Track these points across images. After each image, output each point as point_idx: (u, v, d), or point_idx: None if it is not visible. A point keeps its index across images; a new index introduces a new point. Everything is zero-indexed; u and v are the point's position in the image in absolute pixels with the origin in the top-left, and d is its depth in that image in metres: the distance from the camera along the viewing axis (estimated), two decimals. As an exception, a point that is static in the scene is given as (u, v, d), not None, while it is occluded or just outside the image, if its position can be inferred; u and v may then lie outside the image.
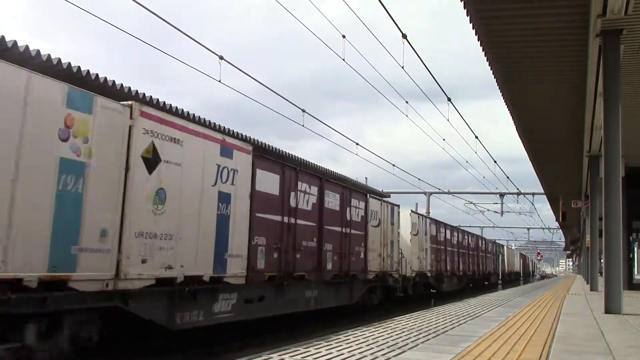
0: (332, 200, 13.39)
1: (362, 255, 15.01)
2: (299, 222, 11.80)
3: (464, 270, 29.47)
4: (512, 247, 68.62)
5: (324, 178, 13.37)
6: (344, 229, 13.88)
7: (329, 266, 13.07)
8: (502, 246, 48.44)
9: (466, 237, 31.15)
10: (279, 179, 11.17)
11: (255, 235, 10.16)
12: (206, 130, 9.15)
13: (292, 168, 11.88)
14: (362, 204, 15.29)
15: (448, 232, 26.62)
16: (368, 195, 16.10)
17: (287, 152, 16.09)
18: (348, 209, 14.20)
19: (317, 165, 18.03)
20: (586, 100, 13.71)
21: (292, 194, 11.65)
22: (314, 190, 12.64)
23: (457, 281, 28.24)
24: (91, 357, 7.29)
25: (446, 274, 25.38)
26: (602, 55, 10.29)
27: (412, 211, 21.24)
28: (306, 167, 14.94)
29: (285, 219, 11.32)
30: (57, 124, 6.37)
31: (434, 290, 24.13)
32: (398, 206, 18.87)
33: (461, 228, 30.97)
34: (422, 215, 23.12)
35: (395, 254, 17.97)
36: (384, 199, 19.45)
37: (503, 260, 46.50)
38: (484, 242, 37.26)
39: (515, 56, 11.91)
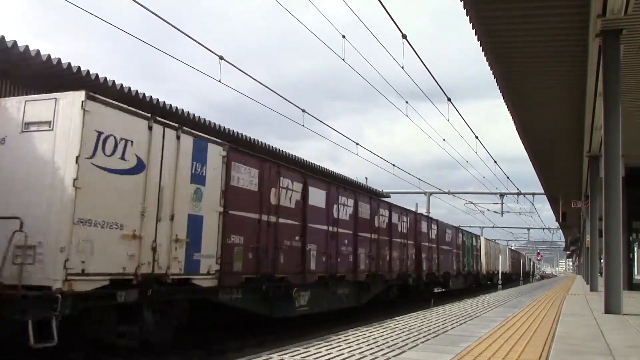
0: None
1: None
2: None
3: (372, 271, 15.64)
4: (512, 246, 68.58)
5: None
6: None
7: None
8: (477, 237, 35.30)
9: (386, 212, 17.16)
10: None
11: None
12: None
13: None
14: None
15: (320, 193, 12.80)
16: None
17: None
18: None
19: None
20: (586, 100, 13.71)
21: None
22: None
23: (353, 291, 14.88)
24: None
25: (302, 280, 11.75)
26: (602, 55, 10.28)
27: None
28: None
29: None
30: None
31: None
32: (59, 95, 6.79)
33: (380, 199, 19.27)
34: (168, 124, 8.03)
35: None
36: None
37: (478, 256, 33.98)
38: (435, 227, 22.96)
39: (515, 56, 11.91)
